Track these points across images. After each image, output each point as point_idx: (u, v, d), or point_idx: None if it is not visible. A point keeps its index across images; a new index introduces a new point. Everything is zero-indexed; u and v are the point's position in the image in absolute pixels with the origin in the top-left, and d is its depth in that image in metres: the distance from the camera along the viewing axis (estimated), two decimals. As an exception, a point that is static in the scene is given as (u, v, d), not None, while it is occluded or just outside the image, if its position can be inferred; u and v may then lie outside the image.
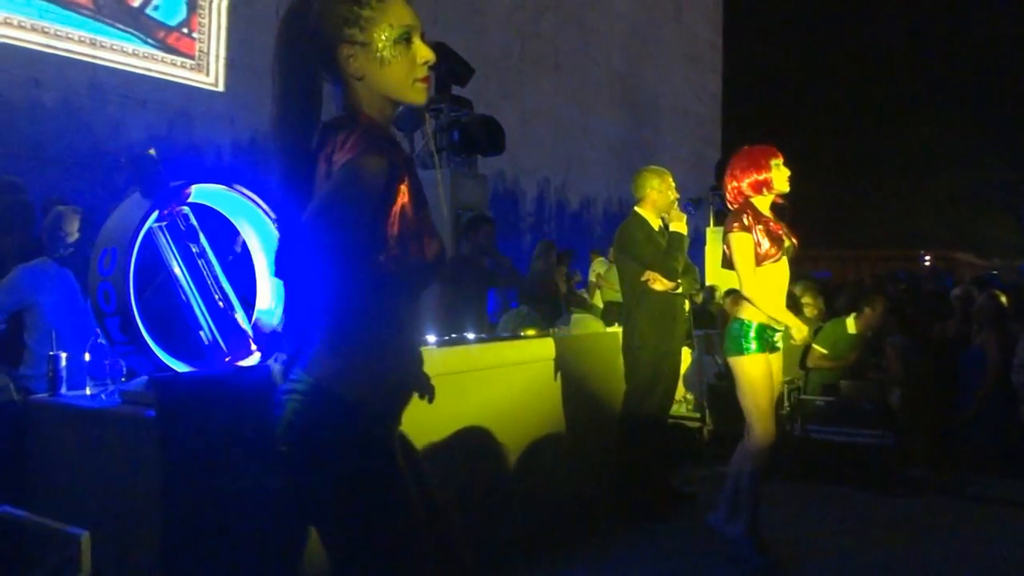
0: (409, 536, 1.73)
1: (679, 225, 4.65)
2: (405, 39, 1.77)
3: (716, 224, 9.44)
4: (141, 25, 8.06)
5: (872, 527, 4.46)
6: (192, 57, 8.49)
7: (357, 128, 1.75)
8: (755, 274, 3.69)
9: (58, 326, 3.58)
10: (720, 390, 5.69)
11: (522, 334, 4.53)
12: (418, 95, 1.82)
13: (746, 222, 3.70)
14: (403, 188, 1.71)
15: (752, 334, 3.68)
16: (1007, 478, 5.44)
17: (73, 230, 4.11)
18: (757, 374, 3.68)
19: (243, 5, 8.87)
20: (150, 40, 8.10)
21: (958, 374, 6.14)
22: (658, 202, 4.65)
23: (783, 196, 3.82)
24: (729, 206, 3.89)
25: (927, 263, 21.90)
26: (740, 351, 3.69)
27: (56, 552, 2.30)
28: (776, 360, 3.81)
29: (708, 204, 9.74)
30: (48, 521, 2.38)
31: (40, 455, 2.76)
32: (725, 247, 3.78)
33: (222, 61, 8.71)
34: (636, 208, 4.71)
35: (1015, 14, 23.94)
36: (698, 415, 6.18)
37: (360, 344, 1.75)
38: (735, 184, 3.82)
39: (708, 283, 8.13)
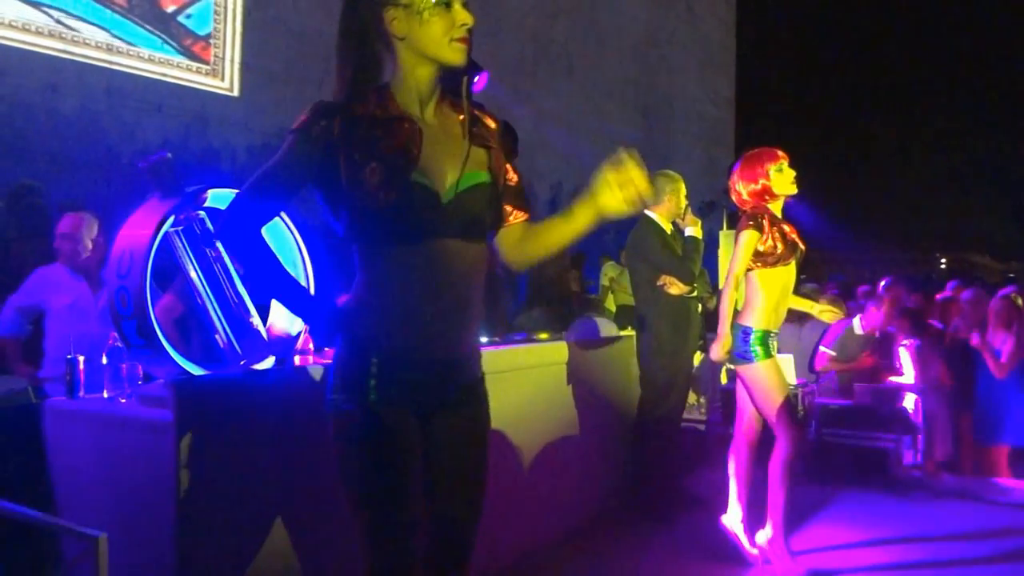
0: (381, 520, 1.84)
1: (695, 229, 4.65)
2: (445, 3, 1.86)
3: (729, 227, 9.38)
4: (170, 30, 8.12)
5: (888, 530, 4.43)
6: (208, 62, 8.54)
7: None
8: (743, 277, 3.68)
9: (71, 331, 3.61)
10: (732, 393, 5.67)
11: (535, 337, 4.53)
12: (456, 54, 1.89)
13: (762, 224, 3.65)
14: (349, 150, 1.80)
15: (755, 340, 3.66)
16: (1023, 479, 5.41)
17: (87, 235, 4.12)
18: (769, 379, 3.66)
19: (257, 10, 8.92)
20: (176, 46, 8.15)
21: (972, 376, 6.10)
22: (670, 207, 4.65)
23: (792, 197, 3.78)
24: (739, 210, 3.87)
25: (943, 265, 21.80)
26: (748, 359, 3.68)
27: (73, 554, 2.33)
28: (784, 363, 3.80)
29: (721, 207, 9.67)
30: (65, 523, 2.41)
31: (58, 457, 2.79)
32: (735, 243, 3.75)
33: (237, 66, 8.76)
34: (647, 212, 4.71)
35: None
36: (706, 418, 6.16)
37: (350, 334, 1.88)
38: (737, 191, 3.80)
39: (720, 287, 8.10)
